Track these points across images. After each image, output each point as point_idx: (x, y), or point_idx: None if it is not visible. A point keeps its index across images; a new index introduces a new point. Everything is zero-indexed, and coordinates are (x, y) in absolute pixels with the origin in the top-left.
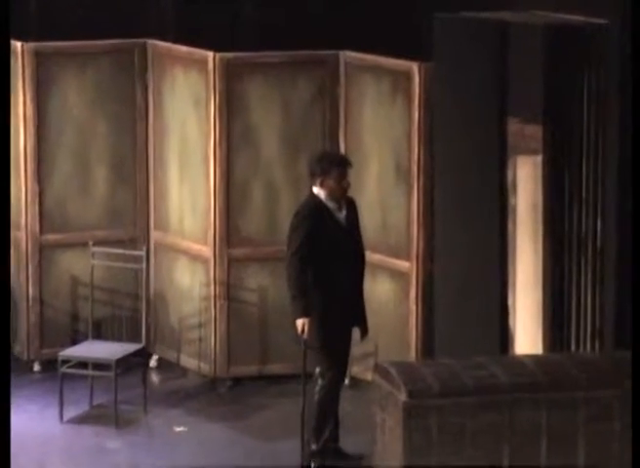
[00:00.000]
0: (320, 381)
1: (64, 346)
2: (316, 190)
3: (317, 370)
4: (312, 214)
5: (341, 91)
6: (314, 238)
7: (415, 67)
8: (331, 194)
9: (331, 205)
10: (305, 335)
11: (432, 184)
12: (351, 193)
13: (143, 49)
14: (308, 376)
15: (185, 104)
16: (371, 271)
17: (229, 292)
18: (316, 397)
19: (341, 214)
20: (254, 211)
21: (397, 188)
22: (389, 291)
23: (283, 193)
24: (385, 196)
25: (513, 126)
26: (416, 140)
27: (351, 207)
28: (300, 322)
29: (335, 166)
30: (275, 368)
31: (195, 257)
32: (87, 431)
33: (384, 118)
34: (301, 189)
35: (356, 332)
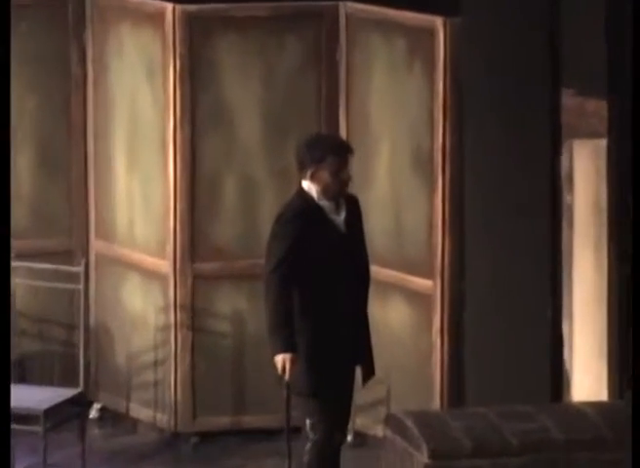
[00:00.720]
0: (311, 437)
1: None
2: (306, 185)
3: (307, 422)
4: (300, 218)
5: (342, 54)
6: (302, 249)
7: (438, 23)
8: (326, 191)
9: (326, 205)
10: (288, 377)
11: (462, 178)
12: (354, 189)
13: None
14: (296, 431)
15: (136, 73)
16: (380, 292)
17: (195, 319)
18: (306, 458)
19: (340, 217)
20: (227, 213)
21: (416, 183)
22: (405, 318)
23: (265, 190)
24: (400, 193)
25: (569, 101)
26: (440, 120)
27: (353, 207)
28: (280, 359)
29: (331, 153)
30: (253, 420)
31: (150, 274)
32: None
33: (398, 90)
34: (289, 184)
35: (359, 374)
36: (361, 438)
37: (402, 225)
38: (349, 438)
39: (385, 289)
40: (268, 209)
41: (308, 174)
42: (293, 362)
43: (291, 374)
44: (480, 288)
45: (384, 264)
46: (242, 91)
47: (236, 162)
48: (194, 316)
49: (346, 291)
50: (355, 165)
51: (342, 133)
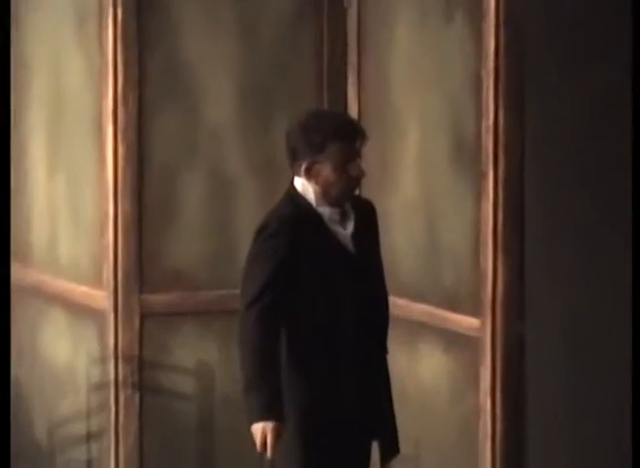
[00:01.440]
0: None
1: None
2: (300, 185)
3: None
4: (291, 231)
5: None
6: (293, 275)
7: None
8: (327, 192)
9: (327, 213)
10: (270, 453)
11: (521, 175)
12: (368, 191)
13: None
14: None
15: (60, 24)
16: (406, 335)
17: (144, 374)
18: None
19: (346, 231)
20: (188, 225)
21: (456, 182)
22: (441, 371)
23: (242, 192)
24: (434, 196)
25: None
26: (490, 91)
27: (366, 217)
28: (259, 428)
29: (335, 138)
30: None
31: (80, 311)
32: None
33: (432, 49)
34: (275, 184)
35: (376, 451)
36: None
37: (437, 242)
38: None
39: (413, 330)
40: (247, 218)
41: (303, 168)
42: (277, 433)
43: (274, 450)
44: (546, 331)
45: (412, 296)
46: (210, 51)
47: (202, 152)
48: (143, 369)
49: (356, 333)
50: (370, 156)
51: (352, 110)
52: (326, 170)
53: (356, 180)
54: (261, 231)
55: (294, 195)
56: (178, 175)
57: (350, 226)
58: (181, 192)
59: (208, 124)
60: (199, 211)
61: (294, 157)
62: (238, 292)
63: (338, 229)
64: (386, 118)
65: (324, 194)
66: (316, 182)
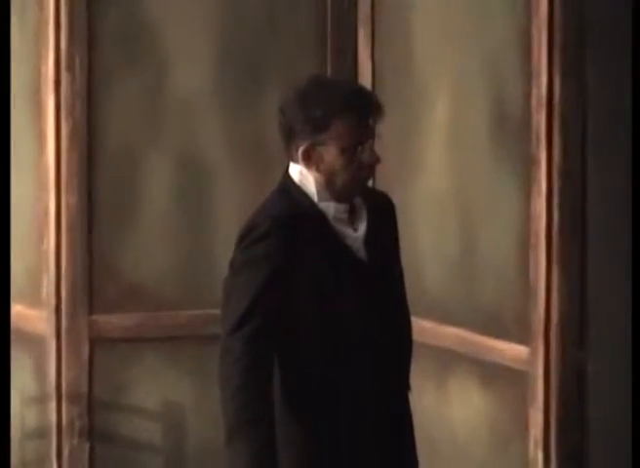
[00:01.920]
0: None
1: None
2: (297, 174)
3: None
4: (285, 234)
5: None
6: (287, 290)
7: None
8: (332, 183)
9: (332, 210)
10: None
11: (582, 160)
12: (386, 182)
13: None
14: None
15: None
16: (435, 367)
17: (95, 418)
18: None
19: (357, 233)
20: (152, 227)
21: (498, 169)
22: (479, 412)
23: (221, 183)
24: (470, 190)
25: None
26: (543, 54)
27: (382, 215)
28: None
29: (342, 113)
30: None
31: (12, 336)
32: None
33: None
34: (264, 173)
35: None
36: None
37: (473, 248)
38: None
39: (443, 361)
40: (227, 218)
41: (301, 151)
42: None
43: None
44: (612, 362)
45: (441, 317)
46: (181, 1)
47: (169, 132)
48: (94, 411)
49: (369, 365)
50: (387, 136)
51: (364, 77)
52: (330, 153)
53: (369, 168)
54: (247, 234)
55: (289, 187)
56: (138, 162)
57: (362, 227)
58: (143, 183)
59: (177, 96)
60: (166, 208)
61: (289, 137)
62: (217, 312)
63: (346, 231)
64: (408, 88)
65: (328, 185)
66: (318, 170)
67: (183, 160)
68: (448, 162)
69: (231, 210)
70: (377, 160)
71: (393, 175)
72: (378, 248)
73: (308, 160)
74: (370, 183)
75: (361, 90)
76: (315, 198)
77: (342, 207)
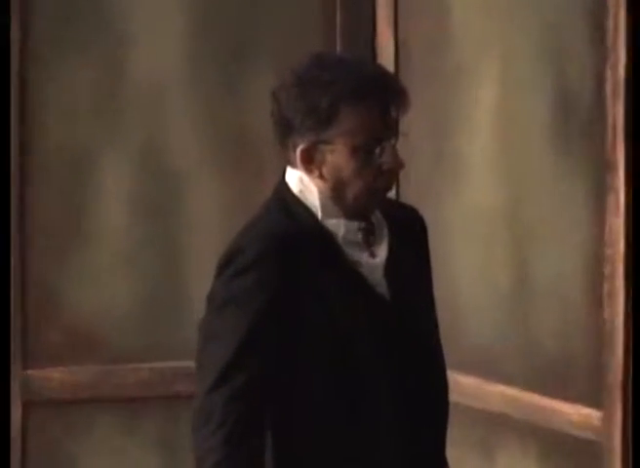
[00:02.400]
0: None
1: None
2: (296, 181)
3: None
4: (277, 261)
5: None
6: (283, 334)
7: None
8: (340, 194)
9: (341, 229)
10: None
11: None
12: (415, 192)
13: None
14: None
15: None
16: (478, 434)
17: None
18: None
19: (375, 259)
20: (103, 252)
21: (560, 174)
22: None
23: (195, 194)
24: (524, 200)
25: None
26: (621, 22)
27: (409, 236)
28: None
29: (351, 102)
30: None
31: None
32: None
33: None
34: (251, 181)
35: None
36: None
37: (527, 279)
38: None
39: (489, 428)
40: (204, 238)
41: (299, 152)
42: None
43: None
44: None
45: (486, 371)
46: None
47: (127, 127)
48: None
49: (393, 432)
50: (416, 133)
51: (384, 56)
52: (338, 155)
53: (390, 175)
54: (231, 262)
55: (285, 199)
56: (87, 165)
57: (382, 252)
58: (94, 193)
59: (138, 80)
60: (123, 225)
61: (285, 133)
62: (191, 365)
63: (360, 257)
64: (443, 73)
65: (336, 197)
66: (322, 177)
67: (146, 162)
68: (496, 167)
69: (209, 228)
70: (400, 165)
71: (424, 184)
72: (403, 279)
73: (310, 163)
74: (392, 195)
75: (380, 71)
76: (319, 213)
77: (356, 225)
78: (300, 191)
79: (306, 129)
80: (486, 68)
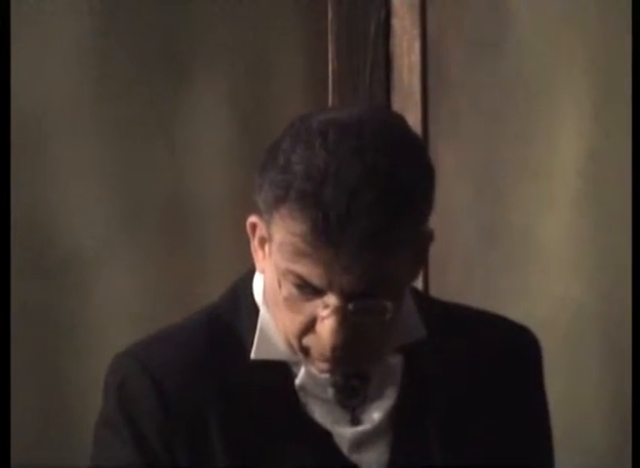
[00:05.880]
0: None
1: None
2: (261, 296)
3: None
4: (161, 411)
5: None
6: None
7: None
8: (275, 318)
9: (301, 374)
10: None
11: None
12: (461, 268)
13: None
14: None
15: None
16: None
17: None
18: None
19: (355, 428)
20: None
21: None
22: None
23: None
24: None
25: None
26: None
27: (487, 370)
28: None
29: (278, 205)
30: None
31: None
32: None
33: None
34: (194, 257)
35: None
36: None
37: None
38: None
39: None
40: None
41: (248, 222)
42: None
43: None
44: None
45: None
46: None
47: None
48: None
49: None
50: (461, 171)
51: (408, 57)
52: (271, 262)
53: (329, 344)
54: (103, 404)
55: (238, 305)
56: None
57: (375, 415)
58: None
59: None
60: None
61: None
62: None
63: (328, 420)
64: (501, 78)
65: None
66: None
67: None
68: (582, 248)
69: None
70: (336, 346)
71: (473, 253)
72: (428, 448)
73: (253, 238)
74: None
75: (349, 166)
76: (278, 341)
77: (324, 376)
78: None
79: (258, 203)
80: (566, 73)
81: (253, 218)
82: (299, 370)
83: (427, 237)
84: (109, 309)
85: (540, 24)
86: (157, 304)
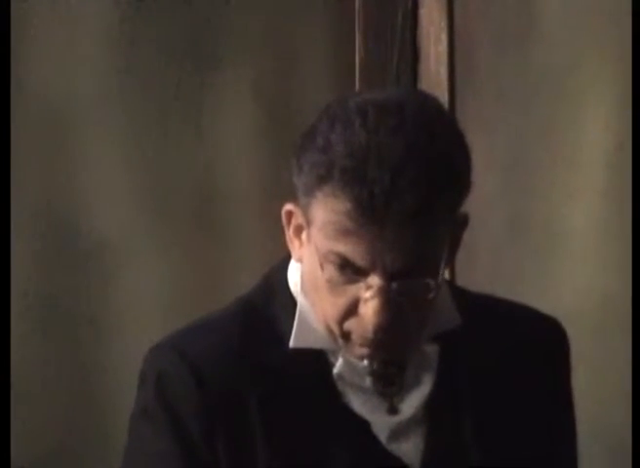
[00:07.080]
0: None
1: None
2: (295, 283)
3: None
4: (200, 404)
5: None
6: None
7: None
8: (314, 305)
9: (339, 362)
10: None
11: None
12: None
13: None
14: None
15: None
16: None
17: None
18: None
19: (392, 417)
20: None
21: None
22: None
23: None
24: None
25: None
26: None
27: (518, 362)
28: None
29: (321, 185)
30: None
31: None
32: None
33: None
34: (221, 249)
35: None
36: None
37: None
38: None
39: None
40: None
41: (283, 211)
42: None
43: None
44: None
45: None
46: None
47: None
48: None
49: None
50: (493, 161)
51: (435, 47)
52: (309, 245)
53: (368, 338)
54: (139, 377)
55: (271, 296)
56: None
57: (413, 401)
58: None
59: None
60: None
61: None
62: None
63: (366, 409)
64: (531, 74)
65: (314, 308)
66: (300, 259)
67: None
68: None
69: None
70: (379, 328)
71: (500, 243)
72: (464, 438)
73: (288, 228)
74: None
75: (391, 142)
76: (317, 328)
77: (362, 364)
78: (302, 303)
79: (299, 193)
80: (601, 69)
81: (289, 206)
82: (336, 359)
83: (463, 220)
84: (137, 298)
85: (568, 14)
86: (184, 293)
